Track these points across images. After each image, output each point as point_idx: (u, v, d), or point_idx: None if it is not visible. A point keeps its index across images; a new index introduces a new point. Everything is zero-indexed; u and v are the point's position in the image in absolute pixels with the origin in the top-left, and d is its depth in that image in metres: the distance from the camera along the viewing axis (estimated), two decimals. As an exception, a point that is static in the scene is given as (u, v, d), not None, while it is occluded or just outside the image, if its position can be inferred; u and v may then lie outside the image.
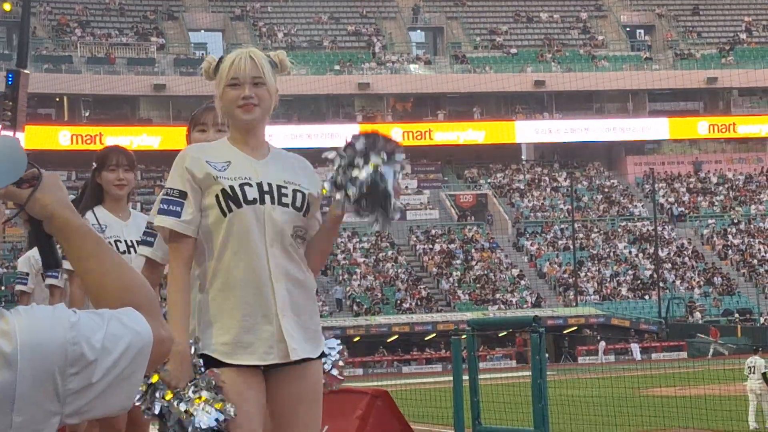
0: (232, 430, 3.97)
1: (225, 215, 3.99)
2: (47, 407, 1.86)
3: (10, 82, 2.44)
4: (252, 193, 4.00)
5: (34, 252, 7.80)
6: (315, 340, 4.08)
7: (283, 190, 4.04)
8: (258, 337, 3.96)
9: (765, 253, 57.68)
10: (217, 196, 4.00)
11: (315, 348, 4.06)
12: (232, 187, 4.00)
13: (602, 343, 47.56)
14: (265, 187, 4.03)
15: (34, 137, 56.30)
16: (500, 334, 46.79)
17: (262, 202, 4.00)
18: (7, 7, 59.69)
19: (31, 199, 2.08)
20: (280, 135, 59.84)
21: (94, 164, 6.31)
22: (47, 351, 1.84)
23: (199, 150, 4.13)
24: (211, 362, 3.98)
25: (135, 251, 6.05)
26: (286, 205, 4.02)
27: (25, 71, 2.54)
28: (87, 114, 59.86)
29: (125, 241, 6.17)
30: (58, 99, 59.56)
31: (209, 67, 4.14)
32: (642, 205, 61.47)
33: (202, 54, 63.87)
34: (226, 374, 3.96)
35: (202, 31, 64.47)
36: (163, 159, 57.57)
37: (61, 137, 56.76)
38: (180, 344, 3.87)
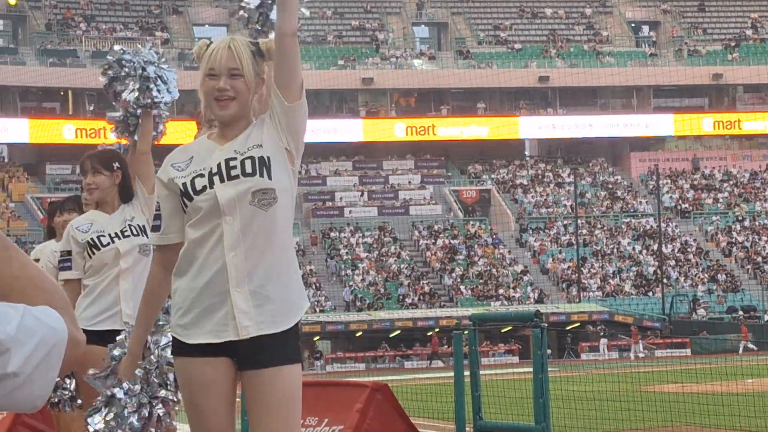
0: (195, 422, 4.01)
1: (184, 211, 4.04)
2: None
3: None
4: (201, 182, 4.01)
5: (52, 245, 7.87)
6: (279, 314, 3.97)
7: (232, 163, 3.99)
8: (212, 317, 3.96)
9: (769, 250, 57.61)
10: (178, 196, 4.06)
11: (278, 324, 3.95)
12: (184, 184, 4.04)
13: (604, 340, 47.51)
14: (215, 170, 4.00)
15: (38, 131, 56.32)
16: (503, 330, 46.75)
17: (212, 186, 3.99)
18: (12, 0, 59.67)
19: None
20: (284, 130, 59.87)
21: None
22: None
23: (171, 155, 4.17)
24: (174, 342, 4.07)
25: (118, 241, 6.27)
26: (235, 177, 3.97)
27: None
28: (91, 108, 59.82)
29: (108, 234, 6.30)
30: (62, 93, 59.54)
31: (199, 52, 4.10)
32: (646, 202, 61.39)
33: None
34: (193, 365, 3.99)
35: (207, 26, 64.39)
36: (165, 153, 57.09)
37: (66, 131, 56.71)
38: (132, 348, 4.49)
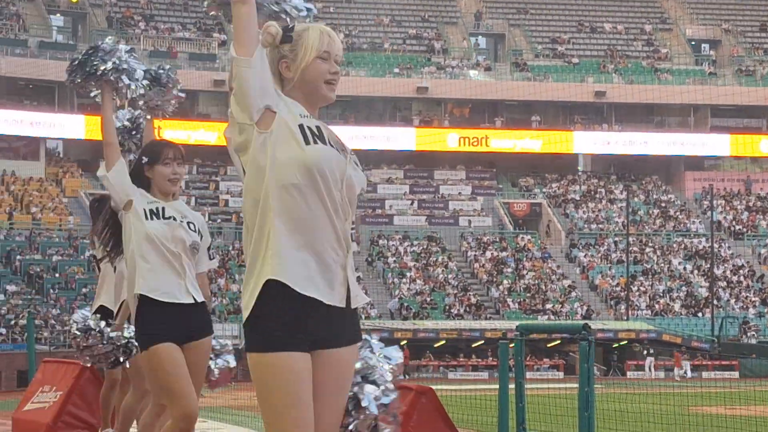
0: (283, 413, 3.81)
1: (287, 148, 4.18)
2: None
3: None
4: (320, 141, 4.14)
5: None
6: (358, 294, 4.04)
7: (344, 152, 4.20)
8: (322, 277, 4.01)
9: (823, 275, 56.80)
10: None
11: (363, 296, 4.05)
12: (301, 122, 4.16)
13: (650, 359, 47.06)
14: (332, 143, 4.14)
15: (93, 127, 56.71)
16: (548, 345, 46.44)
17: (320, 143, 4.13)
18: (73, -3, 60.28)
19: None
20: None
21: (145, 158, 6.39)
22: None
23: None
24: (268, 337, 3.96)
25: (185, 227, 6.26)
26: (356, 164, 4.16)
27: None
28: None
29: (163, 208, 6.30)
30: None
31: (276, 34, 4.05)
32: (699, 222, 60.77)
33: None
34: (288, 357, 3.82)
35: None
36: (219, 154, 57.85)
37: (120, 128, 57.15)
38: None
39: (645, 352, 47.44)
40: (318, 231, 3.83)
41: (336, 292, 3.82)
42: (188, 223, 6.26)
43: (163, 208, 6.25)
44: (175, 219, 6.22)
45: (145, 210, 6.20)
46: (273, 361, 3.77)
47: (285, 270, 3.77)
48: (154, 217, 6.19)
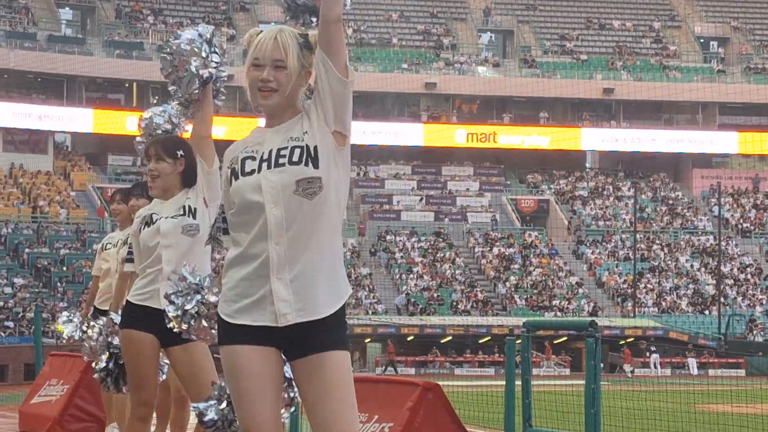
0: (244, 411, 4.01)
1: (228, 196, 4.10)
2: None
3: None
4: (251, 165, 4.01)
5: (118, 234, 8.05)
6: (321, 302, 3.95)
7: (282, 152, 3.99)
8: (254, 305, 3.96)
9: (830, 274, 56.74)
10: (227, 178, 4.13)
11: (319, 311, 3.94)
12: (235, 159, 4.08)
13: (655, 356, 47.03)
14: (265, 156, 4.00)
15: (102, 121, 56.83)
16: (555, 342, 46.45)
17: (259, 170, 3.99)
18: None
19: None
20: (345, 130, 59.90)
21: None
22: None
23: (230, 147, 4.21)
24: (221, 330, 4.06)
25: (162, 221, 6.33)
26: (282, 165, 3.96)
27: None
28: (155, 101, 60.29)
29: (160, 217, 6.37)
30: (127, 84, 60.09)
31: (249, 40, 4.10)
32: (706, 219, 60.71)
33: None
34: (243, 351, 3.98)
35: (273, 23, 64.57)
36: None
37: (129, 123, 57.16)
38: None
39: (648, 351, 47.34)
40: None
41: (268, 312, 3.96)
42: (166, 218, 6.31)
43: (152, 215, 6.40)
44: (153, 222, 6.35)
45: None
46: (223, 353, 4.05)
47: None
48: (145, 227, 6.43)
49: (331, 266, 3.98)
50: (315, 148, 3.97)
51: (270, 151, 3.99)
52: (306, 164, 3.95)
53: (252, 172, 3.99)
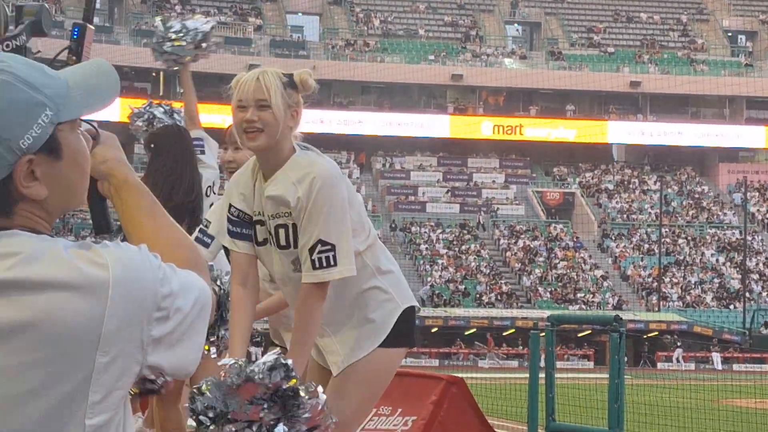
0: (370, 406, 4.33)
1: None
2: (131, 353, 1.76)
3: (75, 36, 2.43)
4: (262, 233, 4.11)
5: None
6: (361, 340, 4.13)
7: (280, 231, 4.04)
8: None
9: None
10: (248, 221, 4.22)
11: (363, 348, 4.12)
12: (251, 218, 4.16)
13: (679, 350, 46.97)
14: (270, 228, 4.09)
15: (129, 110, 57.05)
16: (579, 335, 46.44)
17: (266, 242, 4.11)
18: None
19: (91, 155, 2.00)
20: (371, 121, 59.94)
21: None
22: (139, 289, 1.76)
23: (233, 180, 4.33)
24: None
25: None
26: (283, 247, 4.06)
27: (90, 26, 2.53)
28: (182, 90, 60.54)
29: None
30: (154, 74, 60.28)
31: (234, 84, 4.15)
32: (732, 213, 60.52)
33: (299, 37, 64.20)
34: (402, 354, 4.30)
35: (300, 14, 64.80)
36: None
37: (155, 112, 57.54)
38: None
39: (672, 344, 47.28)
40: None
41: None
42: None
43: None
44: None
45: None
46: (395, 354, 4.36)
47: None
48: None
49: (360, 314, 4.14)
50: (293, 226, 3.98)
51: (271, 225, 4.06)
52: (295, 246, 4.00)
53: (265, 241, 4.10)
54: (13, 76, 1.78)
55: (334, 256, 3.90)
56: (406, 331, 4.16)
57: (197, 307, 1.84)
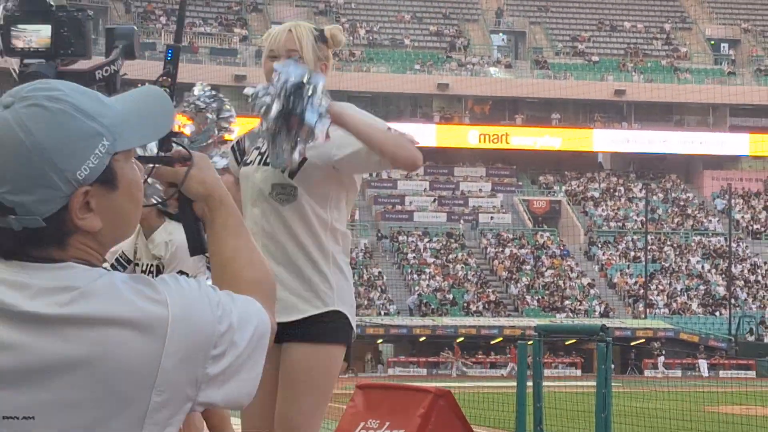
0: (324, 404, 4.10)
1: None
2: (185, 391, 1.73)
3: (169, 57, 2.47)
4: (253, 155, 4.20)
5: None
6: (289, 307, 3.99)
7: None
8: None
9: (841, 275, 56.75)
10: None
11: (288, 314, 3.96)
12: (242, 143, 4.35)
13: (661, 358, 47.06)
14: (262, 150, 4.14)
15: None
16: (566, 343, 46.56)
17: (252, 163, 4.15)
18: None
19: (187, 178, 2.03)
20: (357, 131, 60.04)
21: None
22: (197, 328, 1.73)
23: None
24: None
25: None
26: (267, 164, 4.06)
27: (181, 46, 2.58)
28: (174, 104, 60.49)
29: None
30: (139, 85, 60.02)
31: (266, 37, 4.29)
32: (717, 221, 60.78)
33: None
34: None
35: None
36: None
37: (142, 123, 57.55)
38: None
39: (656, 351, 47.39)
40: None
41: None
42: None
43: None
44: None
45: None
46: (339, 351, 4.19)
47: None
48: None
49: (305, 276, 4.02)
50: (303, 159, 3.97)
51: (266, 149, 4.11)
52: (283, 170, 4.01)
53: (251, 162, 4.17)
54: (71, 105, 1.75)
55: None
56: (344, 327, 4.07)
57: (254, 339, 1.81)
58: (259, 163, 4.11)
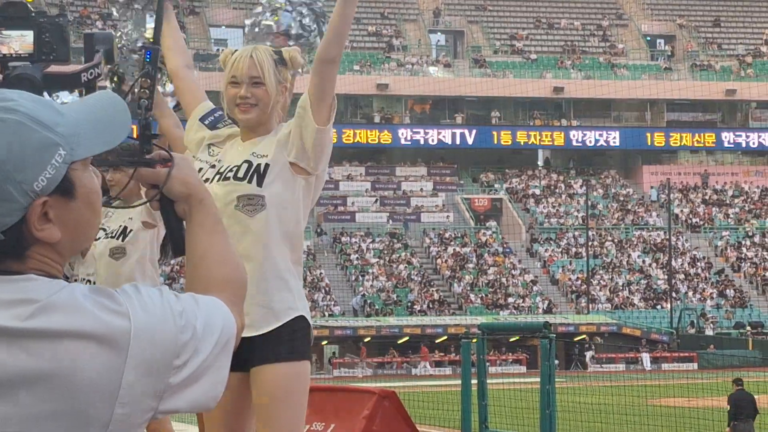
0: (300, 418, 4.11)
1: None
2: (147, 402, 1.72)
3: (148, 59, 2.45)
4: (211, 173, 4.16)
5: None
6: (257, 319, 4.00)
7: (233, 167, 4.11)
8: None
9: (779, 266, 57.55)
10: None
11: (255, 328, 3.98)
12: (201, 161, 4.24)
13: (590, 352, 47.22)
14: (220, 168, 4.15)
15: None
16: (511, 340, 46.77)
17: (208, 181, 4.11)
18: (30, -3, 59.98)
19: (169, 179, 2.02)
20: (298, 133, 59.90)
21: None
22: (159, 339, 1.71)
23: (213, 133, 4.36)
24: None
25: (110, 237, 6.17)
26: (227, 178, 4.08)
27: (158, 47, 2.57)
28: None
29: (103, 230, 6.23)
30: (78, 92, 59.76)
31: (224, 59, 4.27)
32: (657, 215, 61.37)
33: (221, 50, 63.91)
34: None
35: (223, 27, 64.61)
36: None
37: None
38: None
39: (587, 346, 47.43)
40: None
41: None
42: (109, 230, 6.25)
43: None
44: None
45: None
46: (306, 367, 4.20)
47: None
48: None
49: (270, 285, 4.03)
50: (266, 166, 4.05)
51: (225, 165, 4.14)
52: (249, 181, 4.03)
53: (207, 181, 4.09)
54: (25, 115, 1.71)
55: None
56: (307, 337, 4.10)
57: (219, 345, 1.80)
58: (218, 180, 4.10)
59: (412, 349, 47.65)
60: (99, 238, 6.14)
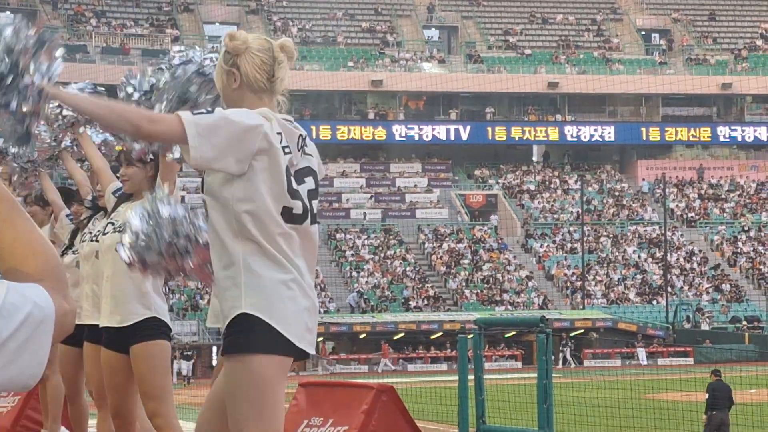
0: (265, 412, 4.17)
1: None
2: None
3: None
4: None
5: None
6: (220, 313, 4.18)
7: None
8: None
9: (774, 261, 57.56)
10: None
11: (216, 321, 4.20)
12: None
13: (567, 349, 46.91)
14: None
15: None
16: (506, 335, 46.74)
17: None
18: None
19: None
20: (292, 130, 59.84)
21: None
22: None
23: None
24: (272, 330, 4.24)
25: (101, 236, 6.42)
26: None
27: None
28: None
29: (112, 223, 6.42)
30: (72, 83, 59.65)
31: None
32: (652, 210, 61.37)
33: (215, 47, 63.81)
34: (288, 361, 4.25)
35: (217, 24, 64.48)
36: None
37: (74, 126, 56.90)
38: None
39: (564, 342, 46.91)
40: None
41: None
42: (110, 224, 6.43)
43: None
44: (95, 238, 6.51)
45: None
46: (269, 361, 4.28)
47: None
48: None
49: (231, 276, 4.07)
50: (203, 174, 4.17)
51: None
52: (201, 190, 4.20)
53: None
54: None
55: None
56: (266, 335, 4.03)
57: (28, 325, 1.85)
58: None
59: (408, 345, 47.59)
60: (107, 233, 6.35)
